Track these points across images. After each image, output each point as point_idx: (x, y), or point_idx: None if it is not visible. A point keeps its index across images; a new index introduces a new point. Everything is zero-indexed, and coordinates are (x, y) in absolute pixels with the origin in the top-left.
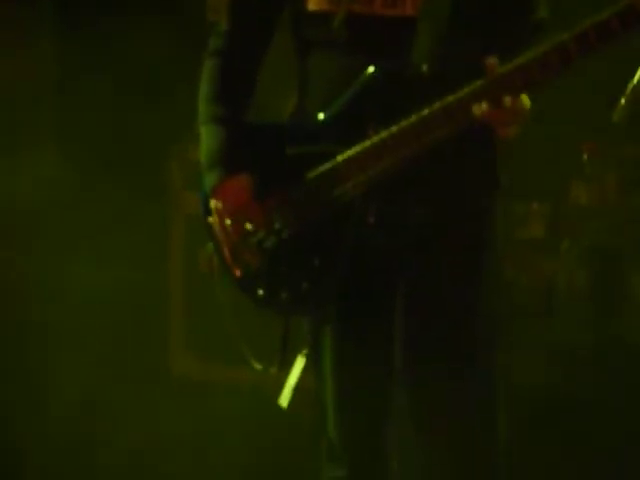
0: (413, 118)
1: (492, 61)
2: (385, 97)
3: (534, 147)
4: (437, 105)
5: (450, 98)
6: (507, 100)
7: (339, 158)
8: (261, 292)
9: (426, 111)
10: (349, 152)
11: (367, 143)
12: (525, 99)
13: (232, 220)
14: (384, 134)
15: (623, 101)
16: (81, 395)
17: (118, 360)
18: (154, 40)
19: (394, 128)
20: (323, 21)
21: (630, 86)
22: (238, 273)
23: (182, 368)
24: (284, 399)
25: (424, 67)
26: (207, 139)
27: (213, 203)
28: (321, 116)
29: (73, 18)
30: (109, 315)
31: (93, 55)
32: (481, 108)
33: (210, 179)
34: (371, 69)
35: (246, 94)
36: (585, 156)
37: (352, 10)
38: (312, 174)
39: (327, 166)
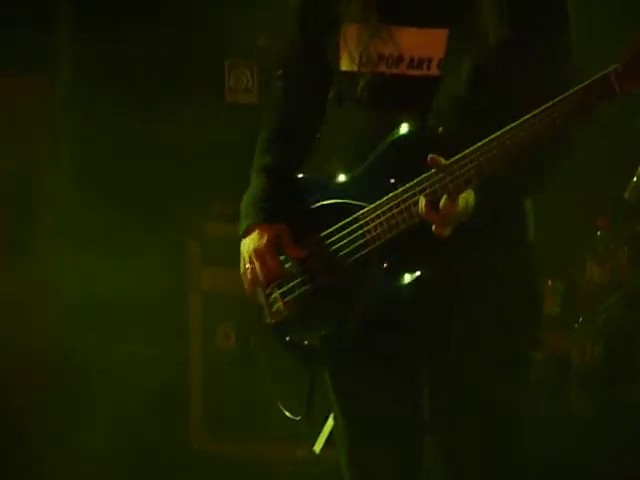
0: (430, 173)
1: (433, 157)
2: (406, 157)
3: (548, 224)
4: (457, 157)
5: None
6: (443, 201)
7: (361, 212)
8: (289, 338)
9: (443, 167)
10: (371, 206)
11: (390, 195)
12: (463, 200)
13: (262, 262)
14: (404, 188)
15: (635, 179)
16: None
17: (138, 433)
18: (172, 117)
19: (412, 183)
20: (353, 80)
21: None
22: (271, 319)
23: (201, 443)
24: (318, 445)
25: (440, 129)
26: (251, 187)
27: (241, 249)
28: (349, 173)
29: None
30: (129, 389)
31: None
32: (420, 205)
33: (245, 223)
34: (402, 129)
35: (299, 149)
36: (598, 232)
37: (378, 71)
38: (336, 226)
39: (351, 218)
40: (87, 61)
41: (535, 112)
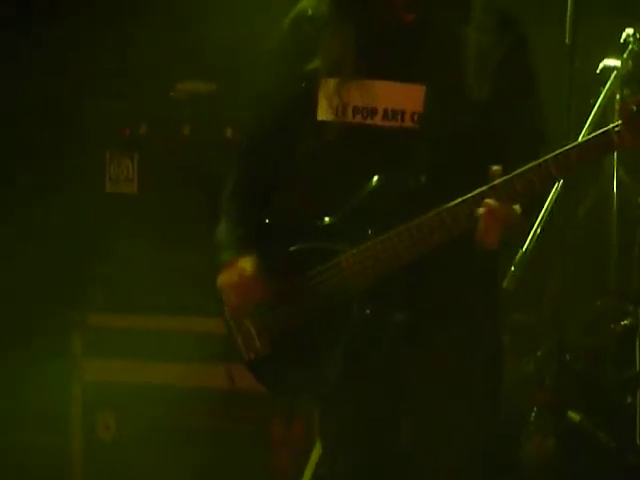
0: (411, 224)
1: (496, 169)
2: (386, 203)
3: None
4: (438, 210)
5: (451, 203)
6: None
7: (342, 256)
8: (268, 375)
9: (424, 217)
10: (352, 251)
11: (368, 244)
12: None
13: (238, 295)
14: (384, 237)
15: (513, 269)
16: None
17: None
18: (50, 207)
19: (392, 232)
20: (328, 130)
21: (520, 253)
22: (248, 357)
23: None
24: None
25: (422, 178)
26: (222, 227)
27: (220, 281)
28: (328, 218)
29: None
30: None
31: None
32: (479, 212)
33: (226, 256)
34: (376, 178)
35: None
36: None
37: (352, 122)
38: (316, 269)
39: (331, 263)
40: None
41: (551, 155)
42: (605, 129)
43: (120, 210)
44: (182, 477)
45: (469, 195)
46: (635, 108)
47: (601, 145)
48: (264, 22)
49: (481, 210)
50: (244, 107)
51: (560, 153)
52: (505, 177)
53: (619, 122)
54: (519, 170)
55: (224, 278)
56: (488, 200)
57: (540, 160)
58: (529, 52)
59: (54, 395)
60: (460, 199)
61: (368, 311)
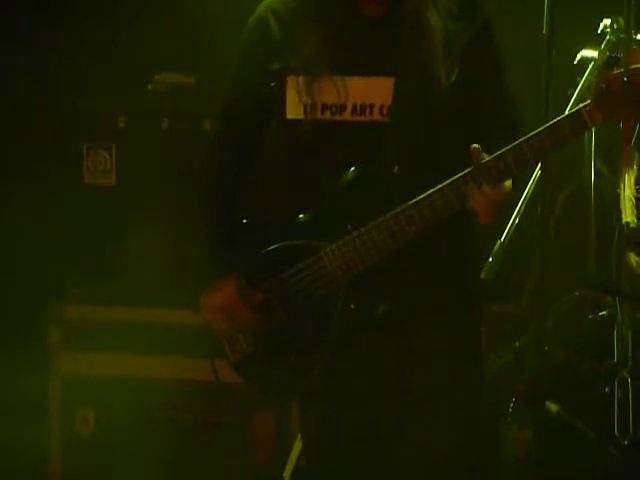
0: (388, 216)
1: (475, 147)
2: (362, 197)
3: None
4: (415, 200)
5: (427, 192)
6: (485, 187)
7: (322, 252)
8: (254, 375)
9: (400, 208)
10: (331, 246)
11: (347, 238)
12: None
13: (222, 315)
14: (362, 230)
15: (491, 259)
16: None
17: None
18: (29, 198)
19: (370, 225)
20: (298, 128)
21: (498, 243)
22: (233, 358)
23: None
24: (287, 472)
25: (395, 168)
26: (203, 239)
27: (202, 302)
28: (305, 215)
29: None
30: None
31: None
32: (469, 190)
33: (208, 279)
34: (350, 172)
35: (238, 200)
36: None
37: (322, 119)
38: (298, 267)
39: (312, 259)
40: None
41: (524, 138)
42: (576, 109)
43: (98, 202)
44: (162, 471)
45: (446, 182)
46: (604, 86)
47: (573, 124)
48: (244, 14)
49: (478, 196)
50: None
51: (532, 135)
52: (491, 156)
53: (588, 102)
54: (500, 151)
55: (207, 300)
56: (485, 187)
57: (514, 143)
58: (494, 36)
59: (32, 389)
60: (436, 187)
61: (352, 305)
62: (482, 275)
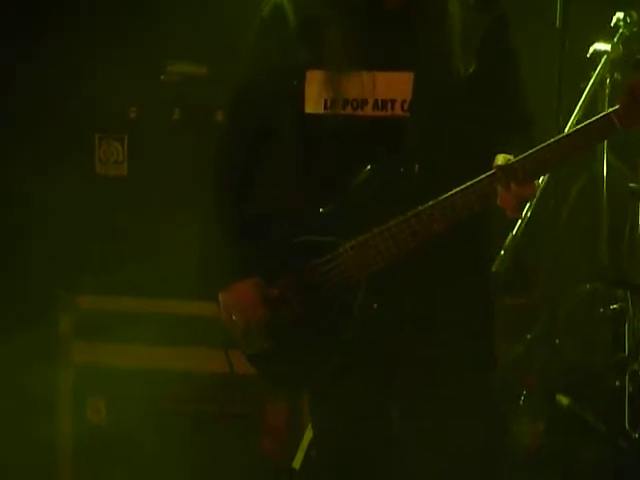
0: (409, 213)
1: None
2: (381, 194)
3: None
4: (437, 200)
5: (449, 192)
6: (513, 186)
7: (341, 249)
8: (269, 369)
9: (425, 205)
10: (351, 243)
11: (367, 235)
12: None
13: (240, 317)
14: (383, 227)
15: (503, 252)
16: None
17: None
18: (42, 188)
19: (392, 222)
20: (319, 123)
21: (510, 237)
22: (248, 350)
23: None
24: (297, 462)
25: (416, 166)
26: (220, 237)
27: (221, 300)
28: (325, 210)
29: None
30: None
31: None
32: (498, 190)
33: (227, 280)
34: (370, 168)
35: (251, 191)
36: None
37: (343, 114)
38: (317, 262)
39: (331, 255)
40: None
41: (552, 140)
42: (604, 113)
43: (109, 192)
44: (173, 462)
45: (469, 183)
46: (632, 91)
47: (602, 128)
48: (257, 3)
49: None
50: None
51: (561, 137)
52: (518, 157)
53: (617, 106)
54: (528, 152)
55: (226, 300)
56: (513, 185)
57: (542, 145)
58: (510, 29)
59: (43, 378)
60: (460, 187)
61: (374, 304)
62: (494, 268)
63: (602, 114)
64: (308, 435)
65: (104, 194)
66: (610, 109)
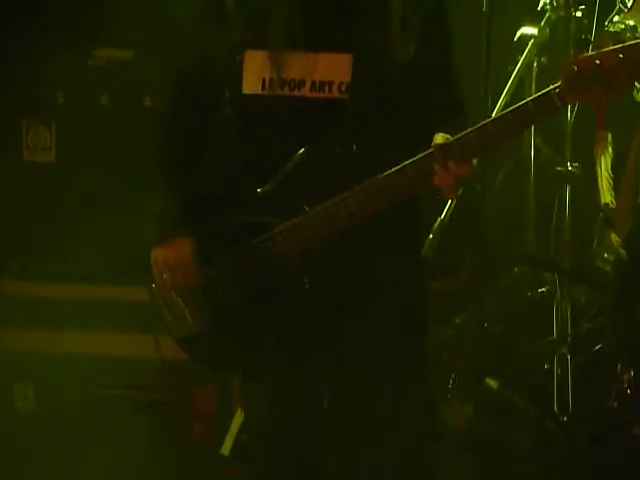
0: (346, 194)
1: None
2: (318, 174)
3: None
4: (375, 179)
5: (388, 171)
6: (451, 165)
7: (277, 229)
8: (202, 352)
9: (362, 186)
10: (287, 223)
11: (303, 215)
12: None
13: (171, 275)
14: (318, 208)
15: (431, 236)
16: None
17: None
18: None
19: (328, 202)
20: (258, 103)
21: (438, 221)
22: (179, 334)
23: None
24: (225, 448)
25: (354, 147)
26: (159, 198)
27: (154, 255)
28: (261, 191)
29: None
30: None
31: None
32: (436, 169)
33: (168, 233)
34: (308, 149)
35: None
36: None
37: (280, 95)
38: (253, 242)
39: (266, 236)
40: None
41: (490, 119)
42: (545, 90)
43: (37, 179)
44: (101, 448)
45: (407, 162)
46: (576, 68)
47: (541, 105)
48: None
49: (443, 173)
50: (163, 76)
51: (499, 116)
52: (456, 136)
53: (559, 83)
54: (465, 131)
55: (160, 255)
56: (451, 164)
57: (481, 123)
58: (447, 14)
59: None
60: (398, 167)
61: (308, 284)
62: (422, 253)
63: (543, 91)
64: (237, 421)
65: (32, 180)
66: (551, 86)
